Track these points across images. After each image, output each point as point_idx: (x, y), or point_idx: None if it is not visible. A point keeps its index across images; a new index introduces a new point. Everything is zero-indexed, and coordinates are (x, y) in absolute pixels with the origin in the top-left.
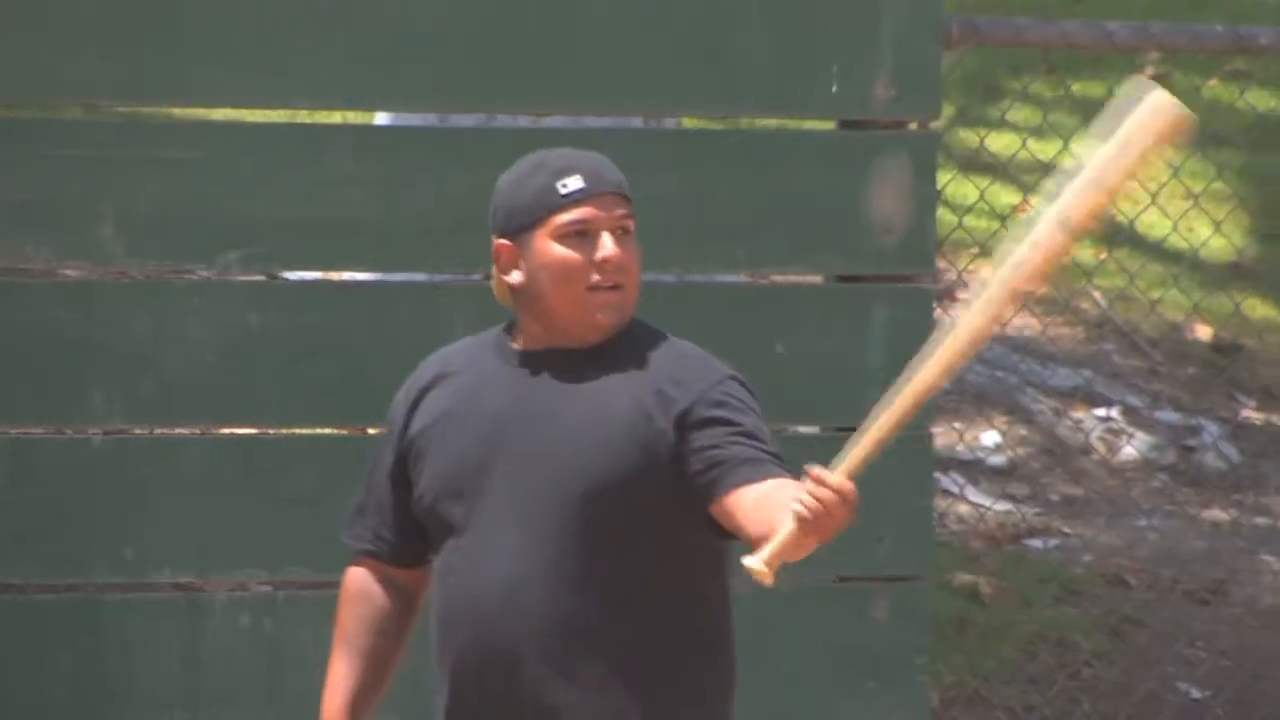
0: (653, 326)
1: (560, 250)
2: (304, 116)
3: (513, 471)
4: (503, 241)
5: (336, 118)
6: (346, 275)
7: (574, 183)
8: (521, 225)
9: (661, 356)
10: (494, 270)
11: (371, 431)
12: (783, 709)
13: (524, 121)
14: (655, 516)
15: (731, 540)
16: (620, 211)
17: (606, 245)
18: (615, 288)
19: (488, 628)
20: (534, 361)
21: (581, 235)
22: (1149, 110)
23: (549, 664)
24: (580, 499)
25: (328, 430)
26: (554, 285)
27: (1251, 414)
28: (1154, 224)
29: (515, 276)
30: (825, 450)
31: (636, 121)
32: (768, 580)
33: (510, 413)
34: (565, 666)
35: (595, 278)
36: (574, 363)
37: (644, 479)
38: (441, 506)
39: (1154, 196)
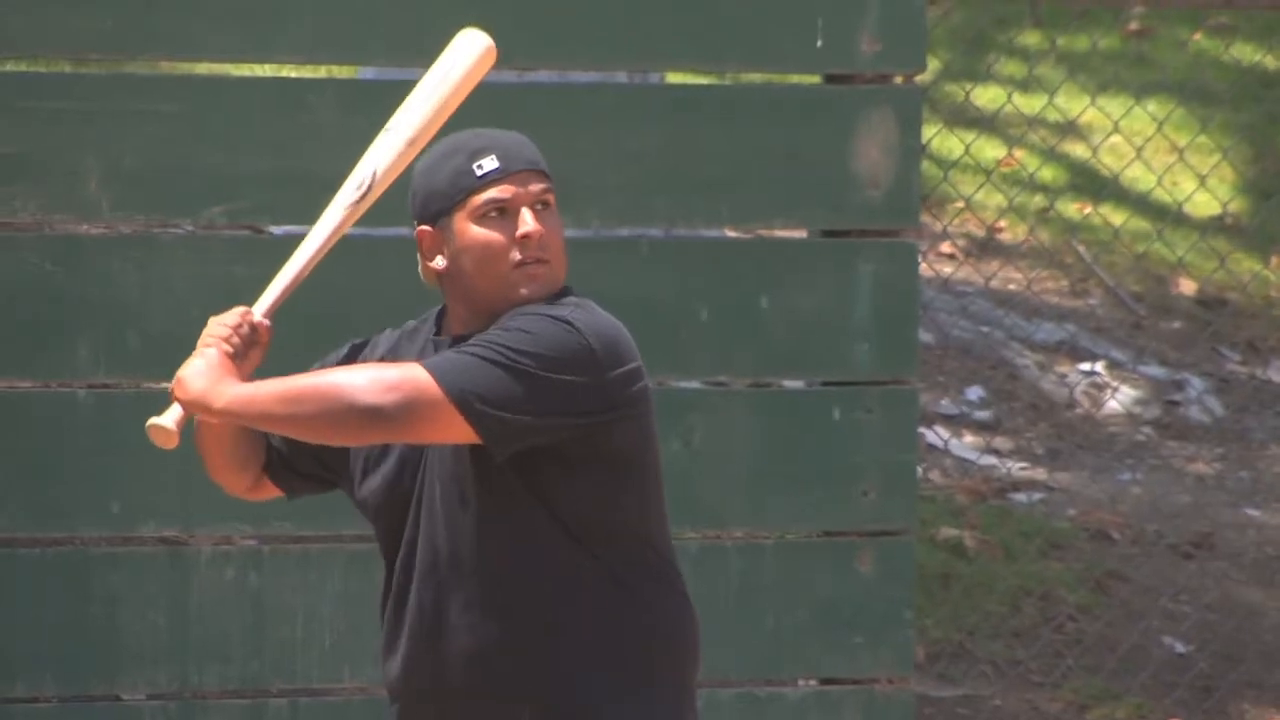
0: (581, 296)
1: (480, 230)
2: (289, 71)
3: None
4: (424, 228)
5: (321, 72)
6: None
7: (489, 163)
8: (440, 209)
9: None
10: (419, 258)
11: None
12: (768, 663)
13: (509, 76)
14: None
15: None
16: (538, 186)
17: (527, 221)
18: (539, 262)
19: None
20: None
21: (501, 214)
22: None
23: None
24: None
25: None
26: (477, 265)
27: (1236, 368)
28: (1139, 178)
29: (439, 262)
30: (809, 404)
31: (621, 77)
32: (171, 441)
33: None
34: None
35: (517, 255)
36: None
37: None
38: (382, 514)
39: (1139, 151)
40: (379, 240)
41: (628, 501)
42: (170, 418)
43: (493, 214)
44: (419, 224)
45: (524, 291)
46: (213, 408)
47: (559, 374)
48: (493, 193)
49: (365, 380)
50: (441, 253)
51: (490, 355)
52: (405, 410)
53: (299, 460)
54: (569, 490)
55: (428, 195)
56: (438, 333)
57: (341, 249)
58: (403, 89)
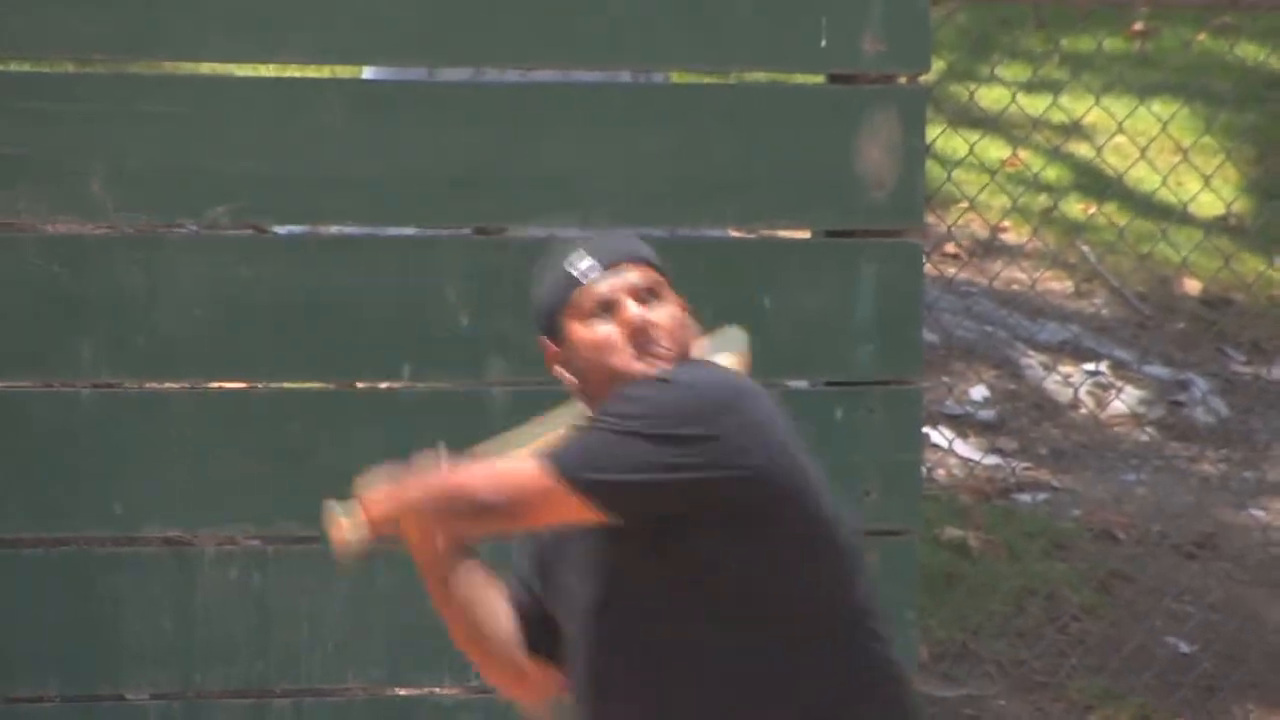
0: (697, 366)
1: (587, 331)
2: (293, 71)
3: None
4: (549, 346)
5: (326, 72)
6: (335, 229)
7: (583, 263)
8: (553, 323)
9: None
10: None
11: (360, 386)
12: None
13: (513, 76)
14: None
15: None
16: (637, 275)
17: (629, 309)
18: (654, 357)
19: None
20: None
21: (606, 310)
22: None
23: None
24: None
25: (317, 385)
26: (592, 365)
27: (1240, 368)
28: (1143, 178)
29: (567, 376)
30: (813, 404)
31: (625, 76)
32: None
33: None
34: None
35: (630, 349)
36: None
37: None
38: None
39: (1143, 151)
40: (381, 240)
41: (788, 568)
42: (351, 518)
43: (597, 312)
44: (541, 335)
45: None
46: (373, 512)
47: (666, 429)
48: (592, 291)
49: (482, 477)
50: (567, 365)
51: (592, 426)
52: (518, 503)
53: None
54: (715, 558)
55: (539, 312)
56: None
57: (344, 250)
58: (406, 90)
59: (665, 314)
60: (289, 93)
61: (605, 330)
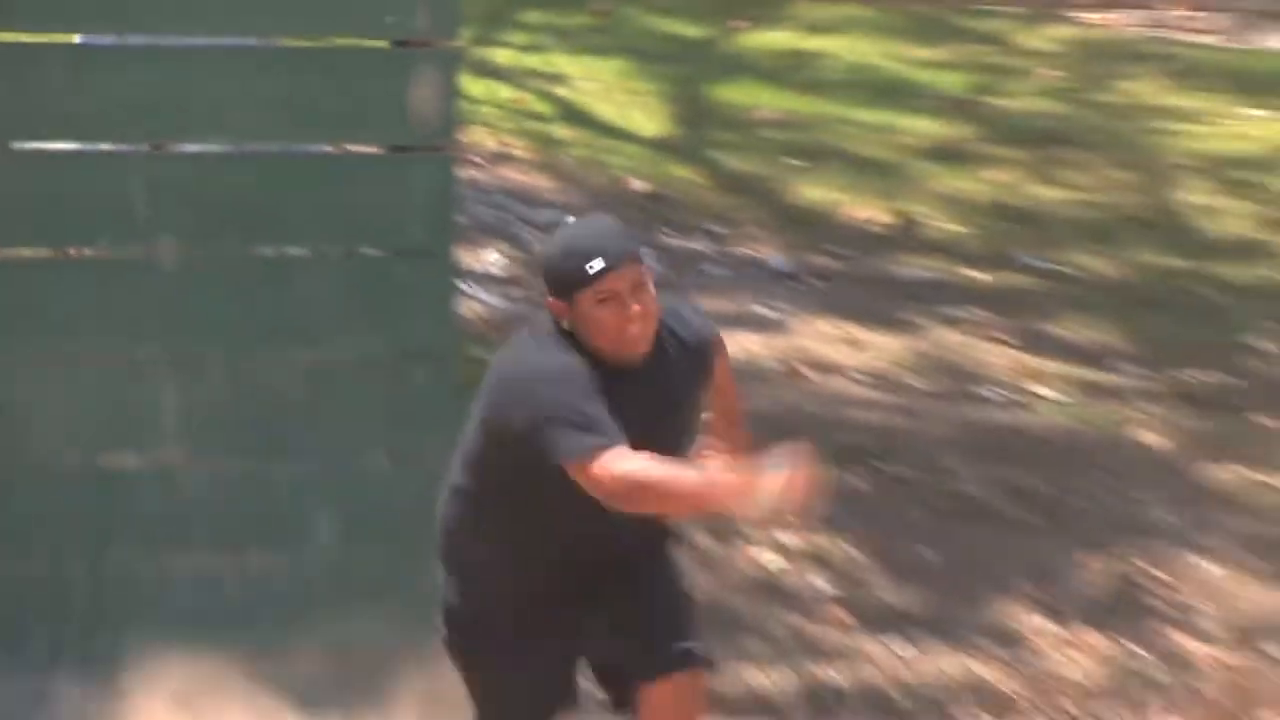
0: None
1: (597, 311)
2: (25, 37)
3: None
4: (553, 300)
5: (46, 38)
6: (59, 145)
7: (598, 264)
8: (564, 294)
9: None
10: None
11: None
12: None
13: (178, 39)
14: None
15: None
16: (634, 272)
17: (631, 307)
18: (644, 336)
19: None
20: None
21: (611, 298)
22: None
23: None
24: None
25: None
26: (597, 332)
27: (671, 240)
28: (606, 111)
29: (566, 324)
30: (382, 267)
31: (253, 41)
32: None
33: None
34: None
35: (628, 329)
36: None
37: None
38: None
39: (607, 93)
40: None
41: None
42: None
43: (605, 299)
44: (550, 295)
45: (637, 351)
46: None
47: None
48: (603, 285)
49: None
50: (567, 317)
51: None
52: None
53: None
54: None
55: (554, 281)
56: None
57: (66, 158)
58: (105, 49)
59: (648, 300)
60: (24, 52)
61: (604, 314)
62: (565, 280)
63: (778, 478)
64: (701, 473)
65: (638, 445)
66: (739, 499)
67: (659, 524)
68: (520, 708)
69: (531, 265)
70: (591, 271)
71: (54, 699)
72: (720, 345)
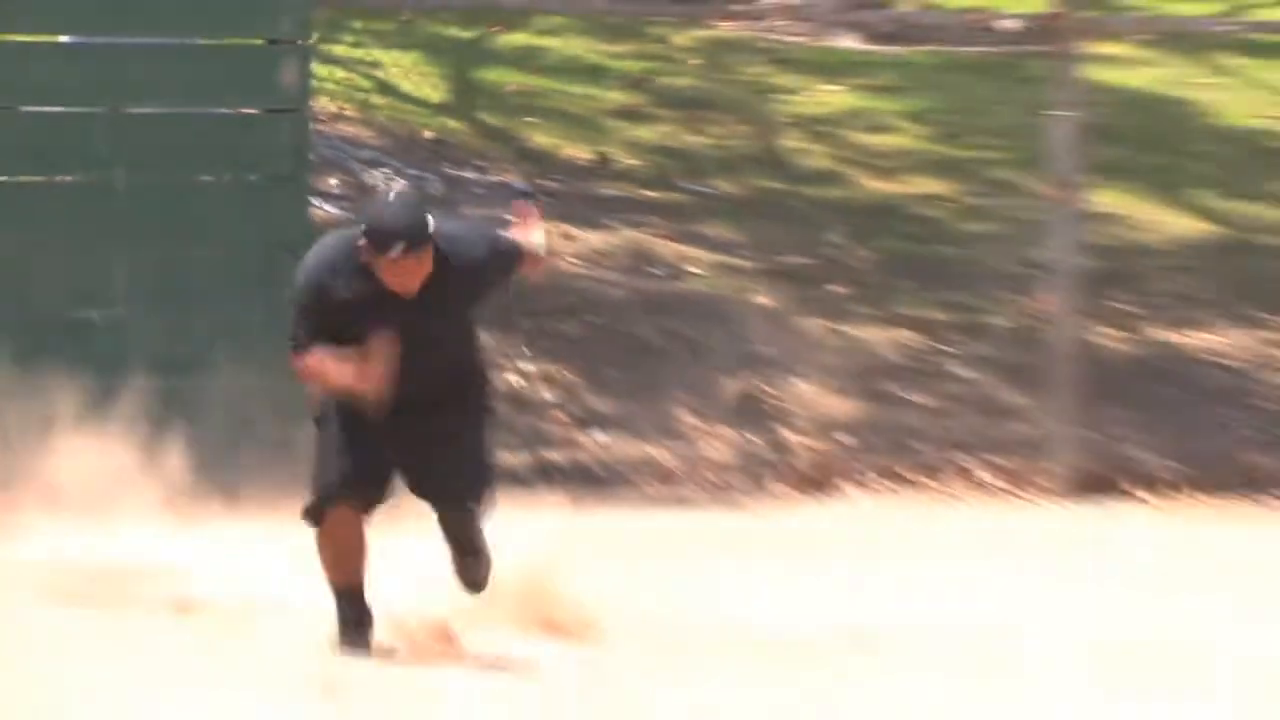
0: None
1: (389, 267)
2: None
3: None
4: (364, 244)
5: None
6: None
7: (399, 249)
8: (373, 249)
9: None
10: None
11: None
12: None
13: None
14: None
15: None
16: (419, 250)
17: (410, 272)
18: (409, 285)
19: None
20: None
21: (399, 262)
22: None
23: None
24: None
25: None
26: (384, 276)
27: (451, 171)
28: (407, 86)
29: (364, 259)
30: (259, 190)
31: (172, 40)
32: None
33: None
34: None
35: (402, 281)
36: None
37: None
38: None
39: (407, 74)
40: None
41: None
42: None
43: (395, 265)
44: (363, 238)
45: (409, 293)
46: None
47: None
48: (396, 259)
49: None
50: (369, 259)
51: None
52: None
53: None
54: None
55: (367, 235)
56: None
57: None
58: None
59: (420, 263)
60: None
61: (391, 273)
62: (374, 243)
63: (348, 367)
64: (335, 361)
65: (404, 345)
66: (336, 380)
67: (461, 365)
68: (332, 462)
69: (356, 189)
70: (391, 253)
71: None
72: (504, 254)
